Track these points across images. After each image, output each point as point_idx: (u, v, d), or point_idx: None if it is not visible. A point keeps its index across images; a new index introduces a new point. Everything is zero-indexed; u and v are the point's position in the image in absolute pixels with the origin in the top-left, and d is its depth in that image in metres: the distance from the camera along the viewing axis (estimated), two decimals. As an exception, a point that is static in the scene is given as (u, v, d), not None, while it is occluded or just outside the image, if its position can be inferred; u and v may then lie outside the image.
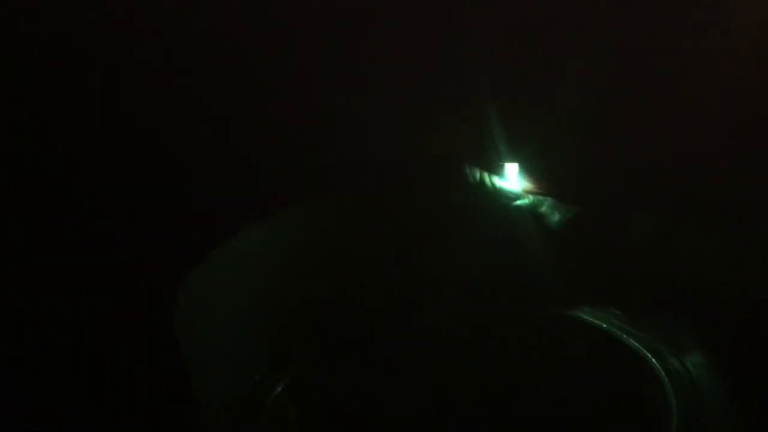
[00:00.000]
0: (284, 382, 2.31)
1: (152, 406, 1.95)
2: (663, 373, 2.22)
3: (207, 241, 2.24)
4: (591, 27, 2.43)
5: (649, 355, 2.28)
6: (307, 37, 2.48)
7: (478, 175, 2.55)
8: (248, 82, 2.46)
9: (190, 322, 2.08)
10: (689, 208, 2.37)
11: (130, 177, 2.29)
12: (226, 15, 2.43)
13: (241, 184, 2.39)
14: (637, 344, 2.34)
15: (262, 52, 2.45)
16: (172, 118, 2.35)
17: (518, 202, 2.54)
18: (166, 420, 1.94)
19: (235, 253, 2.30)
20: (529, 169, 2.55)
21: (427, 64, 2.51)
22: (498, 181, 2.56)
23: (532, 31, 2.47)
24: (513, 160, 2.53)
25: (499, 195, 2.56)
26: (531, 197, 2.54)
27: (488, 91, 2.43)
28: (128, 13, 2.33)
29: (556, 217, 2.52)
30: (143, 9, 2.35)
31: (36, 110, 2.22)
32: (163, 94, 2.34)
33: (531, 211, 2.54)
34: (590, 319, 2.48)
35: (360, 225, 2.53)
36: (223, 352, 2.22)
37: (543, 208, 2.53)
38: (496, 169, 2.56)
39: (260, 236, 2.38)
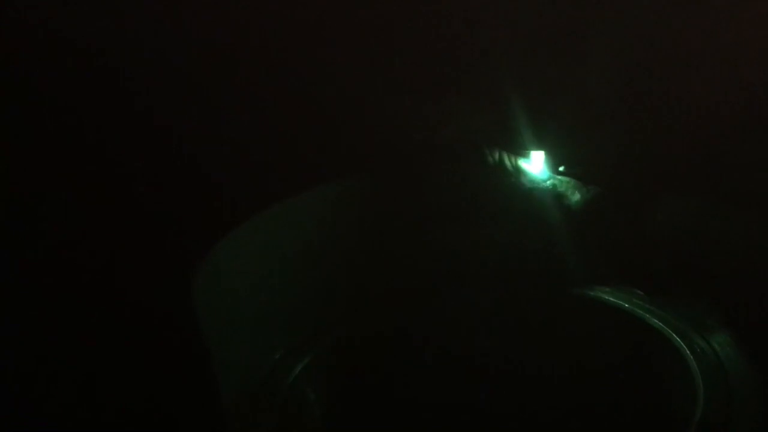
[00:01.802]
0: (303, 363, 2.28)
1: (170, 386, 1.93)
2: (688, 351, 2.18)
3: (223, 224, 2.23)
4: (615, 13, 2.43)
5: (674, 334, 2.24)
6: (324, 24, 2.49)
7: (501, 159, 2.54)
8: (267, 71, 2.46)
9: (209, 303, 2.06)
10: (715, 193, 2.36)
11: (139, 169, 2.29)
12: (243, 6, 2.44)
13: (261, 168, 2.39)
14: (660, 324, 2.30)
15: (275, 41, 2.44)
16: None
17: (541, 184, 2.52)
18: (185, 401, 1.91)
19: (256, 232, 2.29)
20: (552, 150, 2.53)
21: (450, 50, 2.51)
22: (522, 163, 2.54)
23: (556, 17, 2.47)
24: (539, 143, 2.51)
25: (520, 176, 2.54)
26: (555, 179, 2.52)
27: (512, 78, 2.43)
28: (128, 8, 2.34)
29: (578, 198, 2.50)
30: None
31: (40, 103, 2.22)
32: (173, 83, 2.34)
33: (554, 192, 2.52)
34: (612, 299, 2.45)
35: (380, 210, 2.52)
36: (242, 332, 2.19)
37: (566, 190, 2.50)
38: (521, 153, 2.54)
39: (282, 216, 2.37)
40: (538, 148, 2.53)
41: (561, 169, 2.53)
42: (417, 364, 2.35)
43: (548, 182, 2.53)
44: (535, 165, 2.54)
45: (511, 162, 2.53)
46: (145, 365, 1.94)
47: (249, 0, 2.49)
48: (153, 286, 1.99)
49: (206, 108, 2.39)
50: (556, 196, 2.50)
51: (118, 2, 2.41)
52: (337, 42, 2.50)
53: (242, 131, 2.43)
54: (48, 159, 2.18)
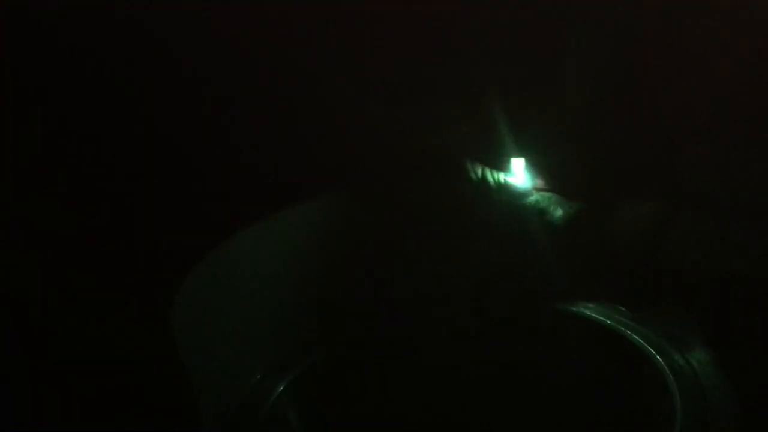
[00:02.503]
0: (285, 382, 2.30)
1: (149, 406, 1.95)
2: (667, 369, 2.19)
3: (207, 240, 2.24)
4: (594, 23, 2.40)
5: (654, 352, 2.24)
6: (313, 34, 2.47)
7: (481, 171, 2.53)
8: (254, 79, 2.45)
9: (189, 322, 2.07)
10: (695, 203, 2.34)
11: (129, 174, 2.29)
12: (233, 11, 2.42)
13: (242, 181, 2.39)
14: (640, 340, 2.30)
15: (268, 48, 2.43)
16: (173, 113, 2.34)
17: (521, 198, 2.51)
18: (164, 420, 1.93)
19: (236, 251, 2.29)
20: (533, 165, 2.52)
21: (431, 60, 2.49)
22: (502, 177, 2.53)
23: (536, 27, 2.44)
24: (517, 156, 2.50)
25: (502, 191, 2.53)
26: (534, 193, 2.51)
27: (492, 88, 2.41)
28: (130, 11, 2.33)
29: (558, 212, 2.49)
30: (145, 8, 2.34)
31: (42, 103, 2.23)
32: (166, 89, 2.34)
33: (534, 207, 2.51)
34: (593, 315, 2.45)
35: (362, 222, 2.51)
36: (222, 352, 2.21)
37: (545, 204, 2.49)
38: (501, 165, 2.53)
39: (262, 235, 2.37)
40: (520, 161, 2.51)
41: (542, 183, 2.52)
42: (398, 381, 2.36)
43: (530, 197, 2.52)
44: (517, 179, 2.53)
45: (492, 176, 2.52)
46: (124, 389, 1.96)
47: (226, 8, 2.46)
48: (130, 313, 2.01)
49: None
50: (537, 210, 2.50)
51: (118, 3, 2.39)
52: (312, 47, 2.48)
53: (216, 144, 2.43)
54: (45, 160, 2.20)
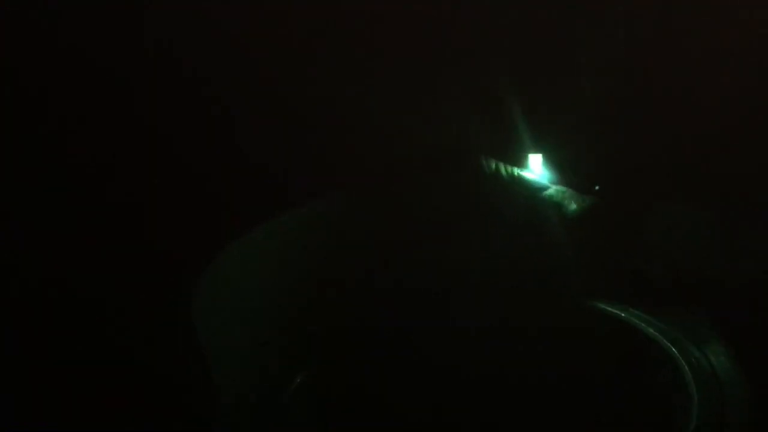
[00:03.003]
0: (301, 377, 2.31)
1: (168, 400, 1.95)
2: (683, 361, 2.20)
3: (221, 239, 2.24)
4: (610, 17, 2.40)
5: (670, 344, 2.25)
6: (320, 30, 2.46)
7: (497, 166, 2.53)
8: (258, 77, 2.45)
9: (205, 318, 2.08)
10: (711, 202, 2.35)
11: (131, 177, 2.29)
12: (234, 13, 2.41)
13: (253, 181, 2.39)
14: (656, 333, 2.31)
15: (272, 48, 2.43)
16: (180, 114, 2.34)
17: (538, 194, 2.52)
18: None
19: (250, 250, 2.30)
20: (550, 160, 2.53)
21: (446, 56, 2.49)
22: (518, 172, 2.54)
23: (550, 21, 2.45)
24: (534, 152, 2.50)
25: (518, 186, 2.54)
26: (551, 188, 2.52)
27: (509, 83, 2.42)
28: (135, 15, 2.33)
29: (575, 207, 2.49)
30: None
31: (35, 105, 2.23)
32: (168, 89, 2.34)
33: (550, 201, 2.52)
34: (608, 309, 2.46)
35: (376, 220, 2.52)
36: (238, 348, 2.22)
37: (563, 199, 2.50)
38: (517, 161, 2.54)
39: (275, 233, 2.38)
40: (534, 156, 2.52)
41: (557, 178, 2.52)
42: (412, 378, 2.36)
43: (544, 192, 2.52)
44: (531, 174, 2.53)
45: (506, 171, 2.53)
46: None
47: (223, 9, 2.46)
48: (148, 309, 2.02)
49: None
50: (552, 205, 2.50)
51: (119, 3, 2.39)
52: (315, 47, 2.48)
53: (217, 146, 2.43)
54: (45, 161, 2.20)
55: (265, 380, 2.30)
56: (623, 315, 2.42)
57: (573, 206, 2.49)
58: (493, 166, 2.54)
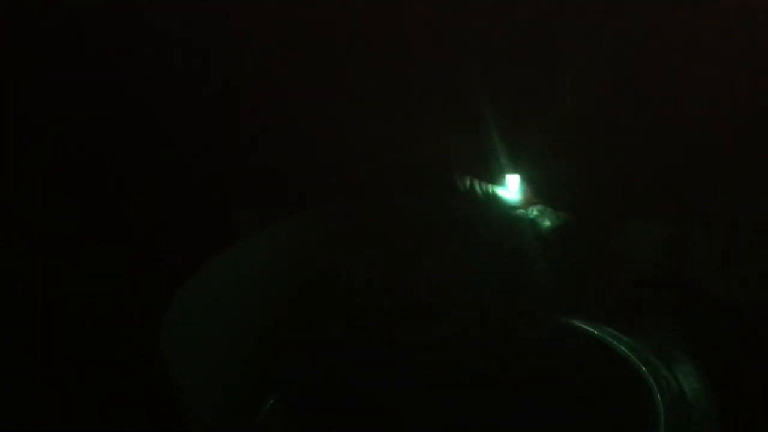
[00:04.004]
0: (275, 397, 2.32)
1: (149, 407, 1.97)
2: (652, 380, 2.22)
3: (201, 253, 2.25)
4: (589, 33, 2.40)
5: (639, 364, 2.28)
6: (304, 46, 2.46)
7: (474, 184, 2.54)
8: (246, 91, 2.45)
9: (180, 335, 2.09)
10: (688, 218, 2.36)
11: (129, 178, 2.30)
12: (226, 23, 2.41)
13: (236, 195, 2.40)
14: (627, 351, 2.34)
15: (261, 61, 2.43)
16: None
17: (513, 211, 2.53)
18: (164, 421, 1.95)
19: (230, 264, 2.31)
20: (527, 178, 2.54)
21: (423, 73, 2.49)
22: (495, 190, 2.55)
23: (531, 38, 2.44)
24: (512, 170, 2.51)
25: (494, 203, 2.55)
26: (526, 204, 2.53)
27: (487, 100, 2.42)
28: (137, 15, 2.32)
29: (549, 225, 2.51)
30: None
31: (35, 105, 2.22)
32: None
33: (525, 219, 2.53)
34: (581, 326, 2.48)
35: (354, 237, 2.53)
36: (213, 366, 2.22)
37: (538, 217, 2.51)
38: (495, 178, 2.54)
39: (256, 248, 2.38)
40: (511, 173, 2.53)
41: (532, 195, 2.53)
42: (392, 398, 2.36)
43: (519, 209, 2.53)
44: (507, 191, 2.54)
45: (482, 188, 2.54)
46: (124, 389, 1.98)
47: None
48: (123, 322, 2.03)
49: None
50: (527, 223, 2.51)
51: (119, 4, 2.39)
52: (297, 60, 2.48)
53: (214, 151, 2.44)
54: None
55: (241, 397, 2.32)
56: (595, 332, 2.45)
57: (547, 223, 2.50)
58: (469, 183, 2.54)
